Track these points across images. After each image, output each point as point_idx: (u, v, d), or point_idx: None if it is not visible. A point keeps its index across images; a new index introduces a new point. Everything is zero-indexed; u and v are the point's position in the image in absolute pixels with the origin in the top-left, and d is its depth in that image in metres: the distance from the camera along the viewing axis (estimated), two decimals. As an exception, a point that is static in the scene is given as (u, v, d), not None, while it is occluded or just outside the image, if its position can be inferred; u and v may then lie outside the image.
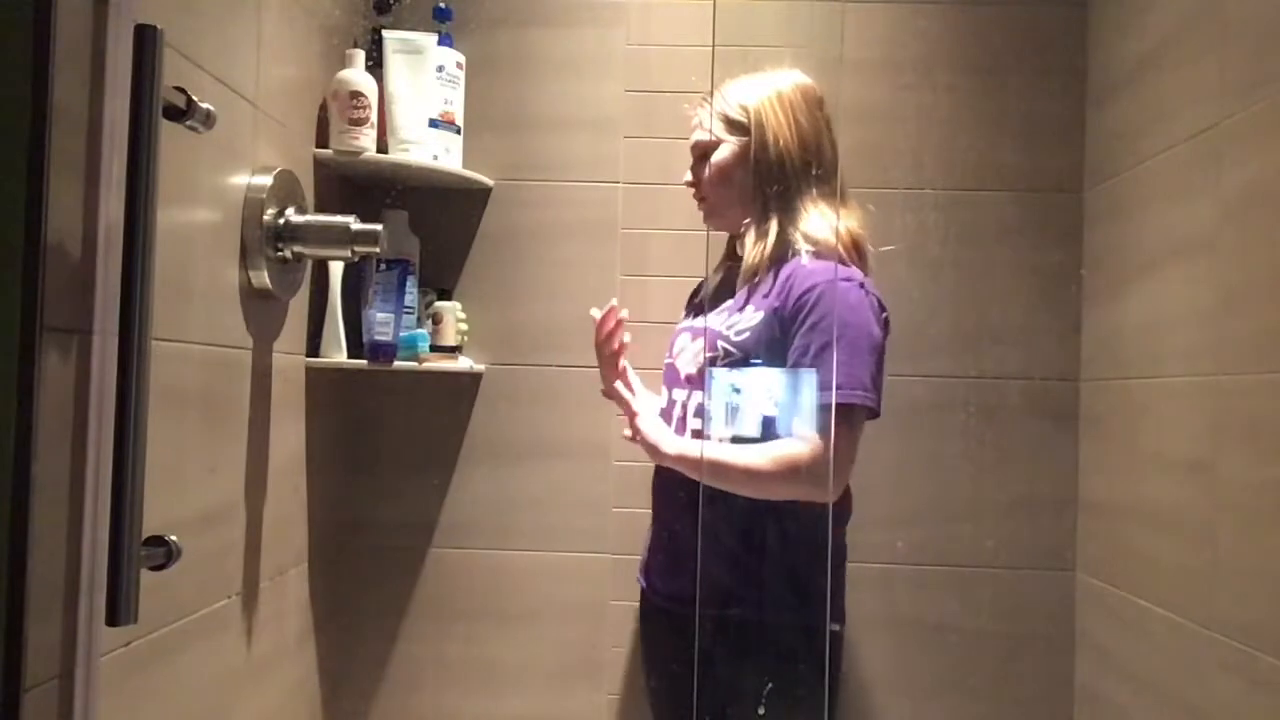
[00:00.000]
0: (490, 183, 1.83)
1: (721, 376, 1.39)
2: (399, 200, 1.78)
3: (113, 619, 0.84)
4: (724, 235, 1.55)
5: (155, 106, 0.86)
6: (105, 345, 0.88)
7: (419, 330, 1.72)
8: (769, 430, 1.37)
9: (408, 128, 1.66)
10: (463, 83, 1.74)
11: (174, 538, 0.94)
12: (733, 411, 1.40)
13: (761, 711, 1.35)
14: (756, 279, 1.41)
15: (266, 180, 1.34)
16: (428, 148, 1.68)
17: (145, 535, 0.87)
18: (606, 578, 1.82)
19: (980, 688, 1.78)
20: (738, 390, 1.39)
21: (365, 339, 1.65)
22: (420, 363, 1.70)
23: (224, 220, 1.26)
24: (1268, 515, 1.20)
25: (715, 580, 1.39)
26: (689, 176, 1.53)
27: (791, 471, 1.32)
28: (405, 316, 1.67)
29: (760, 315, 1.38)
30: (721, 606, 1.39)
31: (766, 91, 1.45)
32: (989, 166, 1.81)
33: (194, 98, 0.96)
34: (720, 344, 1.40)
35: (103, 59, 0.88)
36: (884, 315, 1.39)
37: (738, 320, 1.41)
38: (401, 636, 1.83)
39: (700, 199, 1.52)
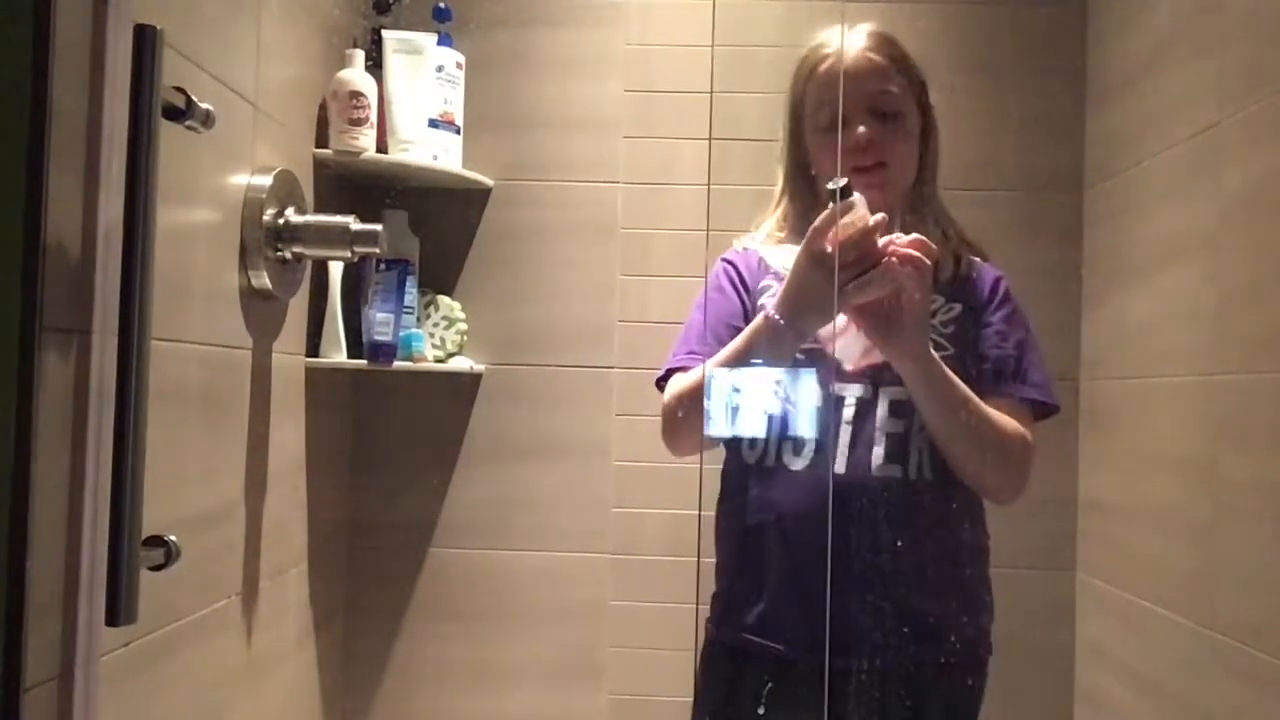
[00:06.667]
0: (490, 183, 1.83)
1: (722, 375, 1.34)
2: (399, 200, 1.78)
3: (113, 619, 0.84)
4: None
5: (155, 106, 0.86)
6: (105, 345, 0.88)
7: (416, 330, 1.72)
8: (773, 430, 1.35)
9: (407, 128, 1.66)
10: (462, 83, 1.74)
11: (174, 538, 0.94)
12: (733, 411, 1.37)
13: None
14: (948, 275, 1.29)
15: (266, 180, 1.34)
16: (427, 148, 1.68)
17: (145, 535, 0.87)
18: (606, 578, 1.81)
19: (980, 688, 1.77)
20: (738, 390, 1.37)
21: (365, 339, 1.65)
22: (415, 362, 1.71)
23: (224, 220, 1.26)
24: (1268, 515, 1.20)
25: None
26: (863, 130, 1.23)
27: (1026, 451, 1.25)
28: (405, 316, 1.67)
29: (957, 308, 1.28)
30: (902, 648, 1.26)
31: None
32: (989, 166, 1.80)
33: (193, 98, 0.96)
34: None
35: (102, 59, 0.88)
36: None
37: (936, 312, 1.27)
38: (401, 636, 1.83)
39: (878, 164, 1.26)
